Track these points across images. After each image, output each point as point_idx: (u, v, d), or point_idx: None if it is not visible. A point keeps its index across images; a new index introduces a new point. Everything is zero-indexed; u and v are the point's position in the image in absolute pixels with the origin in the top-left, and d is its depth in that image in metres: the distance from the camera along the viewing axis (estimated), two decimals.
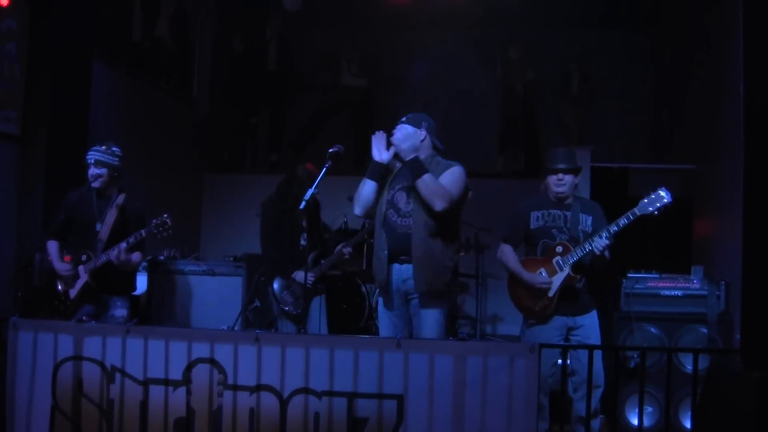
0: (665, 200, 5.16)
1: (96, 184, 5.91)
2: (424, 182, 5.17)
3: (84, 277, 5.83)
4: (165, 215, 5.77)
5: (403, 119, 5.48)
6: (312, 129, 10.99)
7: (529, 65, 10.89)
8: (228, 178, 10.67)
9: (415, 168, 5.22)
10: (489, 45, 11.11)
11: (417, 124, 5.41)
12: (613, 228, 5.26)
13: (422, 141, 5.39)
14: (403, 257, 5.29)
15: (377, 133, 5.43)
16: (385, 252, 5.33)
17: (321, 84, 11.26)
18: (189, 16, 10.36)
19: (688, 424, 5.77)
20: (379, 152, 5.37)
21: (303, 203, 5.55)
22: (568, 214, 5.52)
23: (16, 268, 6.82)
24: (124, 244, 5.71)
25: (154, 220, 5.76)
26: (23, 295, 6.63)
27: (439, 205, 5.15)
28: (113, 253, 5.72)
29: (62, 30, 7.22)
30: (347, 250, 6.93)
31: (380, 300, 5.57)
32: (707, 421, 4.78)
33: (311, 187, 5.67)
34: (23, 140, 7.09)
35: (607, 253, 5.40)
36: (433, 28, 10.96)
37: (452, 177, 5.28)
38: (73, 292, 5.86)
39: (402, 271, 5.30)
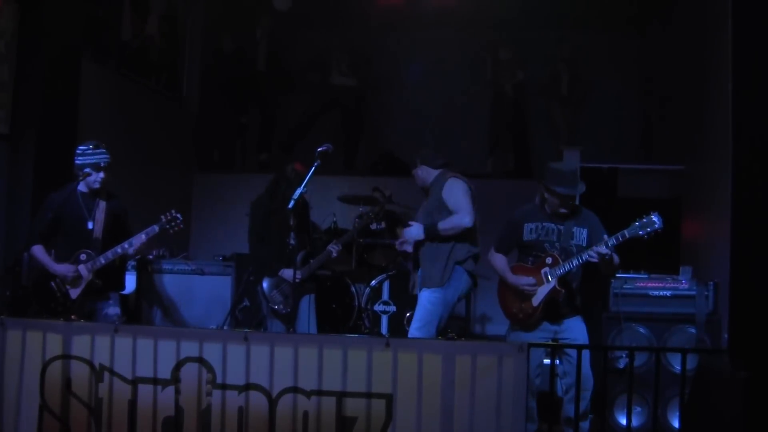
0: (656, 225, 5.21)
1: (98, 186, 5.91)
2: (444, 230, 5.93)
3: (88, 276, 5.82)
4: (173, 210, 5.86)
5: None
6: (302, 128, 10.96)
7: (518, 66, 10.90)
8: (217, 178, 10.64)
9: (430, 233, 5.99)
10: (479, 46, 11.11)
11: (414, 165, 6.27)
12: (603, 248, 5.25)
13: (421, 174, 6.21)
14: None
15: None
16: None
17: (311, 84, 11.25)
18: (179, 15, 10.34)
19: (676, 424, 5.78)
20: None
21: (291, 202, 5.65)
22: (562, 227, 5.51)
23: (4, 267, 6.79)
24: (143, 236, 5.78)
25: (162, 216, 5.82)
26: (11, 294, 6.60)
27: (467, 223, 5.91)
28: (132, 248, 5.78)
29: (51, 29, 7.19)
30: (336, 249, 6.92)
31: None
32: (695, 420, 4.80)
33: (300, 186, 5.71)
34: (12, 139, 7.06)
35: (615, 258, 5.40)
36: (424, 28, 10.96)
37: (450, 194, 6.00)
38: (74, 293, 5.84)
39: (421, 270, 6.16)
